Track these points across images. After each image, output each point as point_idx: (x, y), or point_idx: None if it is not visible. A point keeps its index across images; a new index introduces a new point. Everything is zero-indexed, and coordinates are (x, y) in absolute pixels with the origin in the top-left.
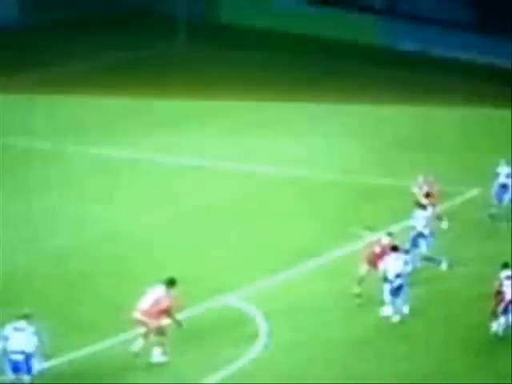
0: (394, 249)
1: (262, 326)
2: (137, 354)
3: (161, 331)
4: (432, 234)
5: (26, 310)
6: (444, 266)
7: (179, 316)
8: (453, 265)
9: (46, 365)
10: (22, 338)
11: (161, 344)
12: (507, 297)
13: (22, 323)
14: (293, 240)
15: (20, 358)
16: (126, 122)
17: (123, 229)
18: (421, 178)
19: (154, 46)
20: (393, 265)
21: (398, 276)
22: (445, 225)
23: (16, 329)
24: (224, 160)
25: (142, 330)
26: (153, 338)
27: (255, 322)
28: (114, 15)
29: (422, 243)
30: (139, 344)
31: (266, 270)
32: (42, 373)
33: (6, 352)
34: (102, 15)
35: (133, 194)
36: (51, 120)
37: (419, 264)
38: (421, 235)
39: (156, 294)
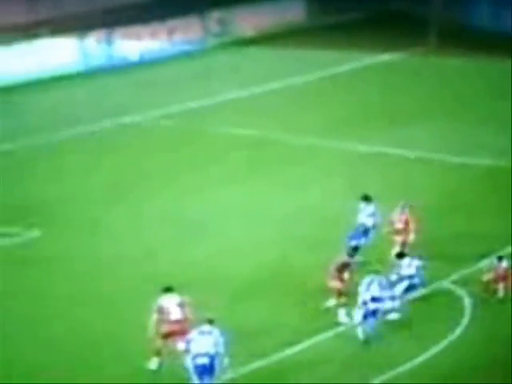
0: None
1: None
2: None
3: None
4: None
5: (210, 316)
6: None
7: None
8: None
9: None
10: (207, 342)
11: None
12: None
13: (207, 327)
14: None
15: (205, 360)
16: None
17: None
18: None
19: (406, 49)
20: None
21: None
22: None
23: (201, 333)
24: None
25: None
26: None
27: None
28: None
29: None
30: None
31: None
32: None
33: (190, 355)
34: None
35: None
36: None
37: None
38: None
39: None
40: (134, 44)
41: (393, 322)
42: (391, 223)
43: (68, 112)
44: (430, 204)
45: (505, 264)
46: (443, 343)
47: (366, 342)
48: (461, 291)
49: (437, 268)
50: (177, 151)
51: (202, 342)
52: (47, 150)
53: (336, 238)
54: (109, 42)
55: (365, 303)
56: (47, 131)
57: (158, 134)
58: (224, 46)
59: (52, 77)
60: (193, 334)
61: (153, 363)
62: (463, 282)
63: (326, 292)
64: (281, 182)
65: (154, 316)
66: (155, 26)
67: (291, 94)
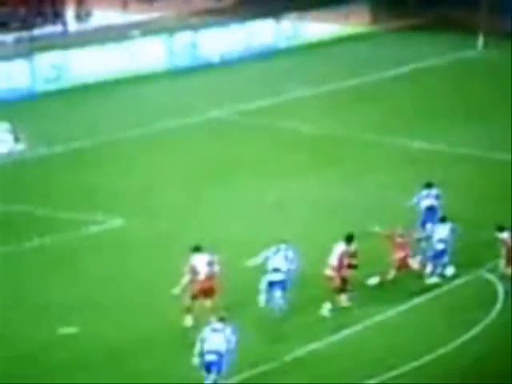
0: None
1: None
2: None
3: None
4: None
5: (222, 314)
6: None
7: None
8: None
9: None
10: (218, 339)
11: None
12: None
13: (219, 325)
14: None
15: (213, 357)
16: None
17: None
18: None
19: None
20: None
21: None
22: None
23: (214, 330)
24: None
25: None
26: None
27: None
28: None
29: None
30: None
31: None
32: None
33: (202, 353)
34: None
35: None
36: None
37: None
38: None
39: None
40: (215, 45)
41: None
42: None
43: (156, 107)
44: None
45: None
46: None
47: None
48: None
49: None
50: (250, 145)
51: (214, 340)
52: (142, 141)
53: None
54: (193, 43)
55: (269, 272)
56: (140, 125)
57: (233, 129)
58: (295, 49)
59: (143, 75)
60: (205, 332)
61: (187, 320)
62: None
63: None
64: (345, 175)
65: (187, 276)
66: (235, 29)
67: (354, 93)
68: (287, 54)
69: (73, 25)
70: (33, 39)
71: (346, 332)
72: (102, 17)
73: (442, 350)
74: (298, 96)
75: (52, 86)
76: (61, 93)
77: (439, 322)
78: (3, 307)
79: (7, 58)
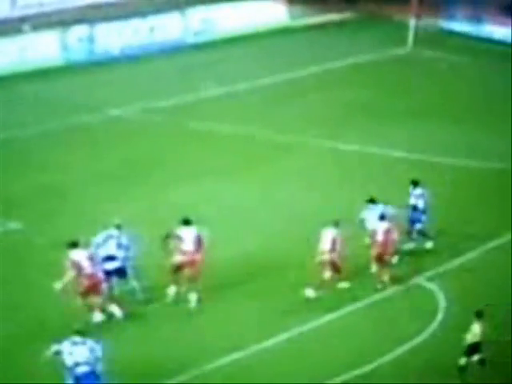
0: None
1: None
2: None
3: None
4: None
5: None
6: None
7: None
8: None
9: None
10: (82, 351)
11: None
12: None
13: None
14: None
15: (86, 368)
16: None
17: None
18: None
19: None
20: None
21: None
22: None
23: (74, 343)
24: None
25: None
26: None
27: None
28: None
29: None
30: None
31: None
32: None
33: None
34: None
35: None
36: None
37: None
38: None
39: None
40: (115, 40)
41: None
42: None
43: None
44: None
45: None
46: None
47: None
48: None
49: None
50: (163, 144)
51: (78, 352)
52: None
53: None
54: (90, 37)
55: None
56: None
57: (143, 128)
58: (204, 45)
59: (37, 69)
60: (65, 346)
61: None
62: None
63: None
64: (261, 178)
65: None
66: (137, 23)
67: (277, 90)
68: (195, 49)
69: None
70: None
71: (276, 340)
72: None
73: (374, 364)
74: (209, 95)
75: None
76: None
77: (372, 333)
78: None
79: None
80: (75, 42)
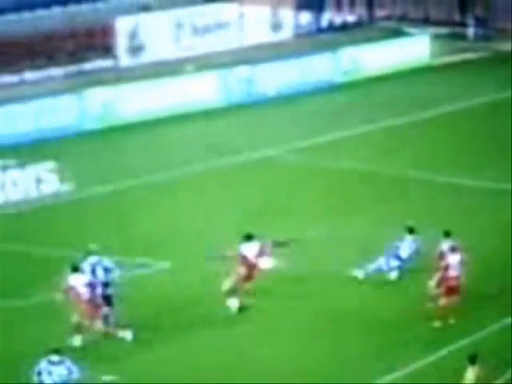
0: None
1: None
2: None
3: None
4: None
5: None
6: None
7: None
8: None
9: None
10: (60, 371)
11: None
12: None
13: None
14: None
15: None
16: None
17: None
18: None
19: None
20: None
21: None
22: None
23: (51, 362)
24: None
25: None
26: None
27: None
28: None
29: None
30: None
31: None
32: None
33: None
34: None
35: None
36: None
37: None
38: None
39: None
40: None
41: None
42: None
43: (209, 144)
44: None
45: None
46: None
47: None
48: None
49: None
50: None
51: (56, 371)
52: (192, 181)
53: None
54: (249, 78)
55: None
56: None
57: (286, 169)
58: (351, 84)
59: (195, 111)
60: (43, 365)
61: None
62: None
63: None
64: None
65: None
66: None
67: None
68: (344, 88)
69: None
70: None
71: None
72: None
73: None
74: (354, 133)
75: (101, 124)
76: (110, 131)
77: None
78: None
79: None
80: (234, 84)
